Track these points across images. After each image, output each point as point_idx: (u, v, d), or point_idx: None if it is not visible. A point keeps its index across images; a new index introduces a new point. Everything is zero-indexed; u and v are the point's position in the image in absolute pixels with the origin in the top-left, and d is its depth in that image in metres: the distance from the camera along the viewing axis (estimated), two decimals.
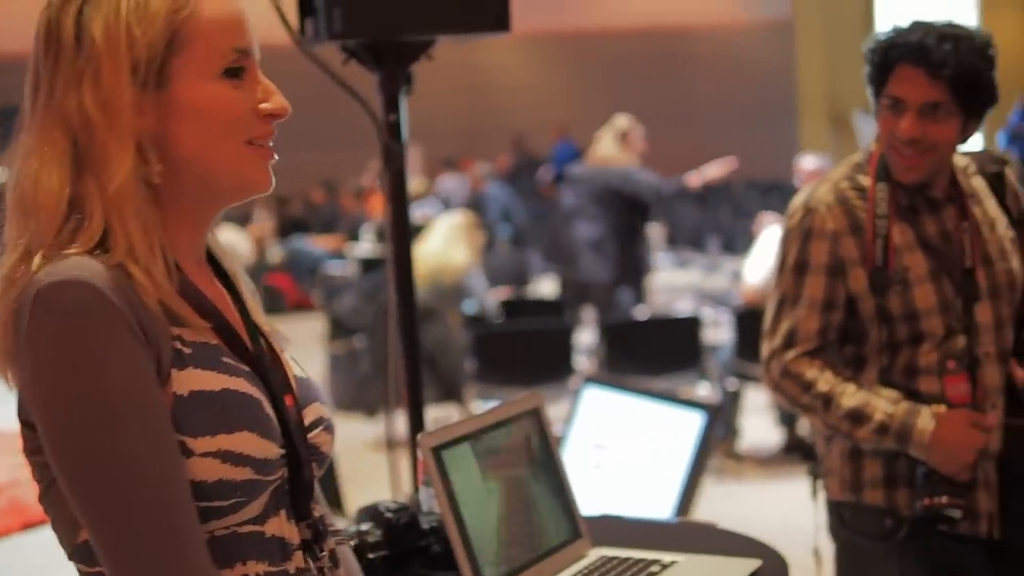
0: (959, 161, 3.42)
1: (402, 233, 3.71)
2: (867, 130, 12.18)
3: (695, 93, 26.78)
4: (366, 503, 2.72)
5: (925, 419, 3.21)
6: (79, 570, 1.82)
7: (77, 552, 1.80)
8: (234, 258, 2.06)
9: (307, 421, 1.96)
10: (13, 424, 1.79)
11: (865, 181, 3.36)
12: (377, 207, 16.39)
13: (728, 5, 28.03)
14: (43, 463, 1.75)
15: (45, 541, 1.98)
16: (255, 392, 1.83)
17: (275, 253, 17.74)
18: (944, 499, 3.20)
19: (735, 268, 13.01)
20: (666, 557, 2.64)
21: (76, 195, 1.77)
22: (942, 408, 3.23)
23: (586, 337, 10.66)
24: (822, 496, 3.52)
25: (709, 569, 2.62)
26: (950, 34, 3.19)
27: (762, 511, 7.41)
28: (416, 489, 2.87)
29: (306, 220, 21.05)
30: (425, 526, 2.64)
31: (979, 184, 3.43)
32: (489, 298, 10.72)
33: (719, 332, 10.45)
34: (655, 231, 15.21)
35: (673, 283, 15.48)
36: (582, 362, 9.84)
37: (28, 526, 4.45)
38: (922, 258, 3.30)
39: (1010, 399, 3.32)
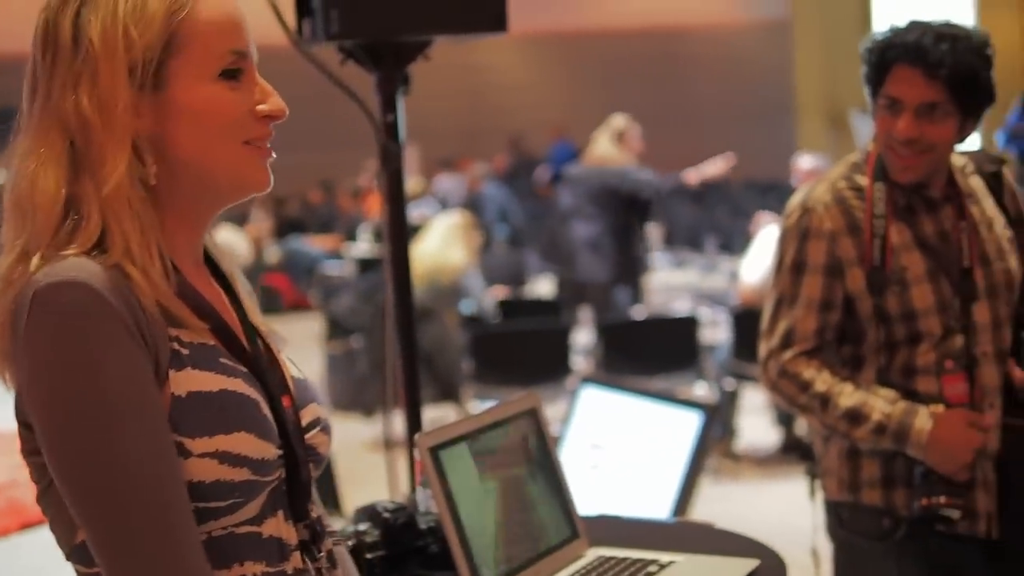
0: (957, 161, 3.42)
1: (399, 233, 3.71)
2: (865, 130, 12.18)
3: (693, 93, 26.78)
4: (364, 503, 2.73)
5: (923, 419, 3.21)
6: (77, 571, 1.82)
7: (75, 553, 1.80)
8: (231, 259, 2.06)
9: (304, 422, 1.96)
10: (11, 425, 1.79)
11: (863, 181, 3.36)
12: (374, 207, 16.38)
13: (726, 5, 28.04)
14: (41, 464, 1.76)
15: (43, 542, 1.98)
16: (253, 393, 1.83)
17: (272, 253, 17.73)
18: (942, 499, 3.20)
19: (733, 268, 13.01)
20: (664, 557, 2.64)
21: (73, 196, 1.77)
22: (940, 408, 3.23)
23: (583, 337, 10.66)
24: (820, 496, 3.53)
25: (707, 569, 2.62)
26: (947, 34, 3.19)
27: (760, 511, 7.42)
28: (413, 489, 2.87)
29: (303, 220, 21.03)
30: (423, 526, 2.64)
31: (977, 184, 3.43)
32: (486, 298, 10.72)
33: (716, 332, 10.46)
34: (653, 231, 15.20)
35: (670, 283, 15.49)
36: (579, 362, 9.85)
37: (26, 526, 4.45)
38: (920, 258, 3.30)
39: (1008, 399, 3.32)
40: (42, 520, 1.84)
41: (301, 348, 11.57)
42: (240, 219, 17.47)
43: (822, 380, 3.31)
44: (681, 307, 12.52)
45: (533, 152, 23.63)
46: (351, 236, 17.59)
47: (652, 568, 2.59)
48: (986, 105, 3.27)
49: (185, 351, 1.79)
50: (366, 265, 13.96)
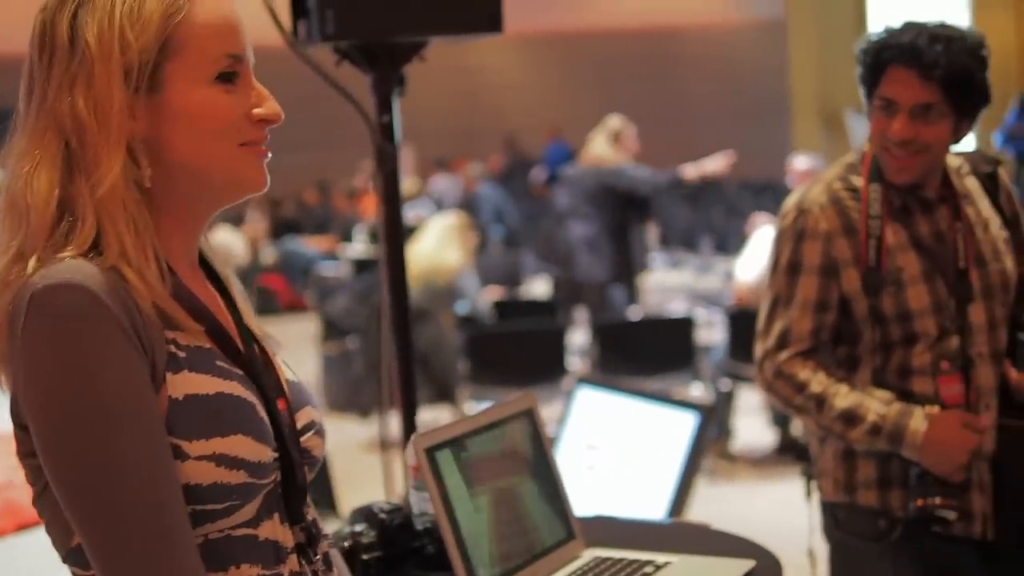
0: (952, 162, 3.42)
1: (395, 234, 3.71)
2: (860, 130, 12.19)
3: (688, 93, 26.79)
4: (360, 504, 2.73)
5: (918, 420, 3.22)
6: (74, 573, 1.82)
7: (72, 555, 1.80)
8: (225, 261, 2.06)
9: (299, 425, 1.96)
10: (7, 426, 1.79)
11: (858, 182, 3.36)
12: (370, 208, 16.39)
13: (720, 5, 28.05)
14: (37, 466, 1.75)
15: (40, 543, 1.97)
16: (249, 396, 1.83)
17: (268, 254, 17.73)
18: (937, 500, 3.20)
19: (728, 268, 13.02)
20: (660, 558, 2.64)
21: (67, 197, 1.77)
22: (935, 409, 3.24)
23: (579, 338, 10.67)
24: (816, 497, 3.53)
25: (703, 570, 2.62)
26: (942, 35, 3.19)
27: (756, 512, 7.42)
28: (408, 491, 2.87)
29: (299, 221, 21.03)
30: (419, 527, 2.64)
31: (972, 184, 3.43)
32: (481, 299, 10.72)
33: (712, 333, 10.46)
34: (651, 230, 15.20)
35: (666, 283, 15.48)
36: (575, 363, 9.85)
37: (22, 527, 4.45)
38: (915, 259, 3.30)
39: (1004, 400, 3.32)
40: (38, 522, 1.84)
41: (297, 349, 11.61)
42: (236, 220, 17.48)
43: (817, 381, 3.31)
44: (677, 308, 12.52)
45: (528, 152, 23.64)
46: (347, 237, 17.60)
47: (648, 569, 2.59)
48: (981, 106, 3.27)
49: (182, 354, 1.79)
50: (362, 266, 13.96)
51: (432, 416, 8.52)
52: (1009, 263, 3.38)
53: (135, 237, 1.77)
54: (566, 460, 4.13)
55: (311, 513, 1.98)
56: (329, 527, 2.33)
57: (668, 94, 26.21)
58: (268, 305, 15.65)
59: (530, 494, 2.66)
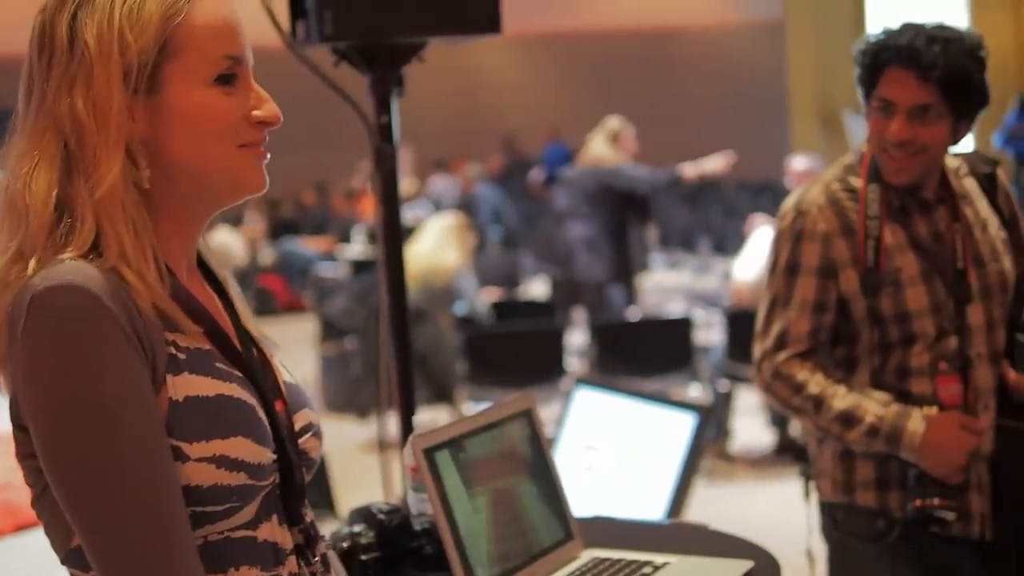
0: (950, 162, 3.42)
1: (393, 235, 3.71)
2: (858, 130, 12.20)
3: (686, 94, 26.79)
4: (358, 505, 2.73)
5: (915, 421, 3.22)
6: (72, 575, 1.82)
7: (71, 557, 1.80)
8: (224, 263, 2.06)
9: (297, 427, 1.96)
10: (5, 427, 1.79)
11: (856, 182, 3.36)
12: (368, 209, 16.39)
13: (718, 6, 28.04)
14: (36, 468, 1.75)
15: (38, 544, 1.97)
16: (248, 398, 1.83)
17: (266, 255, 17.73)
18: (936, 501, 3.21)
19: (726, 269, 13.02)
20: (658, 558, 2.64)
21: (66, 198, 1.77)
22: (934, 410, 3.24)
23: (577, 338, 10.67)
24: (814, 497, 3.53)
25: (701, 570, 2.62)
26: (940, 36, 3.19)
27: (754, 512, 7.42)
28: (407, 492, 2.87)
29: (297, 222, 21.03)
30: (417, 527, 2.64)
31: (971, 185, 3.44)
32: (479, 299, 10.72)
33: (710, 333, 10.46)
34: (651, 230, 15.21)
35: (664, 284, 15.48)
36: (573, 363, 9.85)
37: (20, 528, 4.44)
38: (914, 259, 3.30)
39: (1002, 400, 3.32)
40: (37, 523, 1.84)
41: (295, 350, 11.61)
42: (234, 221, 17.48)
43: (815, 382, 3.31)
44: (675, 308, 12.53)
45: (527, 153, 23.64)
46: (345, 238, 17.60)
47: (647, 569, 2.59)
48: (979, 107, 3.27)
49: (182, 356, 1.79)
50: (360, 267, 13.96)
51: (430, 417, 8.52)
52: (1007, 263, 3.38)
53: (134, 238, 1.77)
54: (564, 461, 4.12)
55: (309, 515, 1.98)
56: (327, 528, 2.33)
57: (666, 95, 26.21)
58: (266, 306, 15.65)
59: (528, 495, 2.66)
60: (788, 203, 3.42)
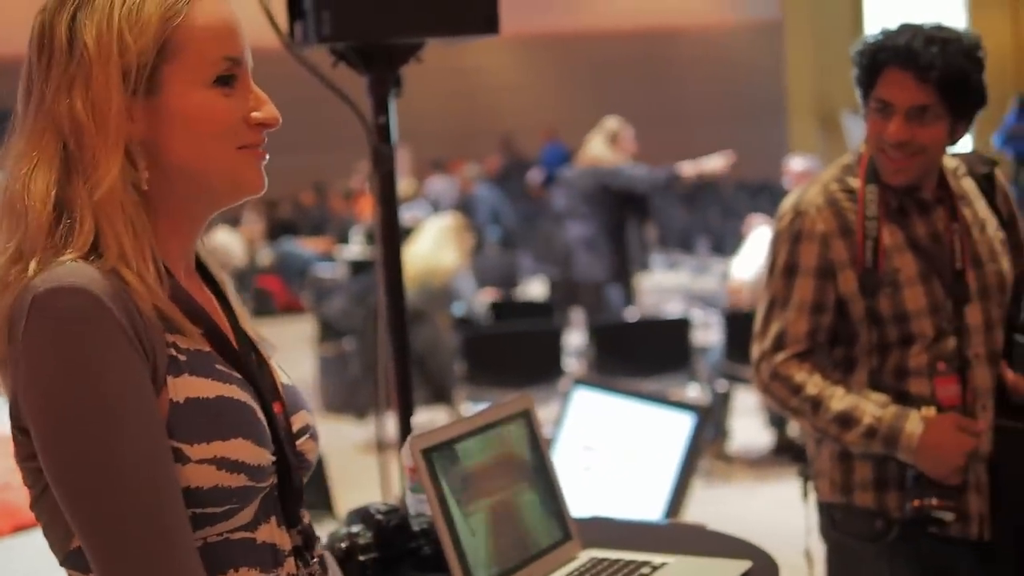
0: (949, 163, 3.42)
1: (391, 235, 3.71)
2: (856, 131, 12.20)
3: (684, 94, 26.79)
4: (356, 505, 2.73)
5: (913, 423, 3.21)
6: None
7: (70, 558, 1.80)
8: (223, 264, 2.06)
9: (294, 428, 1.97)
10: (4, 428, 1.79)
11: (855, 183, 3.36)
12: (366, 209, 16.39)
13: (716, 6, 28.04)
14: (35, 469, 1.76)
15: (36, 545, 1.98)
16: (248, 399, 1.83)
17: (264, 255, 17.72)
18: (934, 501, 3.21)
19: (724, 269, 13.02)
20: (656, 558, 2.64)
21: (65, 199, 1.77)
22: (932, 411, 3.23)
23: (576, 339, 10.67)
24: (813, 497, 3.53)
25: (699, 570, 2.62)
26: (938, 37, 3.19)
27: (752, 512, 7.42)
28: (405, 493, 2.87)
29: (295, 222, 21.03)
30: (416, 528, 2.64)
31: (969, 185, 3.44)
32: (477, 300, 10.72)
33: (709, 334, 10.46)
34: (650, 230, 15.22)
35: (662, 284, 15.49)
36: (572, 364, 9.85)
37: (19, 529, 4.44)
38: (912, 260, 3.30)
39: (1000, 401, 3.32)
40: (35, 524, 1.84)
41: (293, 350, 11.61)
42: (232, 222, 17.47)
43: (813, 383, 3.31)
44: (673, 309, 12.53)
45: (525, 153, 23.64)
46: (343, 238, 17.59)
47: (645, 570, 2.59)
48: (977, 107, 3.27)
49: (182, 357, 1.79)
50: (358, 267, 13.96)
51: (429, 417, 8.52)
52: (1005, 264, 3.38)
53: (133, 239, 1.77)
54: (563, 461, 4.12)
55: (306, 516, 1.98)
56: (326, 528, 2.33)
57: (664, 95, 26.21)
58: (264, 306, 15.65)
59: (527, 496, 2.66)
60: (786, 204, 3.42)
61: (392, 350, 3.69)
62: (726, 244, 15.85)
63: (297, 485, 1.93)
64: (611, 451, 4.22)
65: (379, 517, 2.63)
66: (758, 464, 8.80)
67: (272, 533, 1.88)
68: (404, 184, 16.01)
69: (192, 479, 1.74)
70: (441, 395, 9.33)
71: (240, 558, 1.83)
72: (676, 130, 24.18)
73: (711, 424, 8.30)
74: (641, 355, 8.88)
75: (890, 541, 3.33)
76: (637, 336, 9.21)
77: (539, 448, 2.74)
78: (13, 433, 1.77)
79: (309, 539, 1.97)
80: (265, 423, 1.85)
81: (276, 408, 1.92)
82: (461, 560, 2.44)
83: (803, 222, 3.34)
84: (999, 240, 3.39)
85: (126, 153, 1.78)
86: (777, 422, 8.69)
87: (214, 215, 1.94)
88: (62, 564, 1.82)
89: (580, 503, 3.07)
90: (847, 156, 3.46)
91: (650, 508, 3.98)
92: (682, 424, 4.08)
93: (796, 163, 10.60)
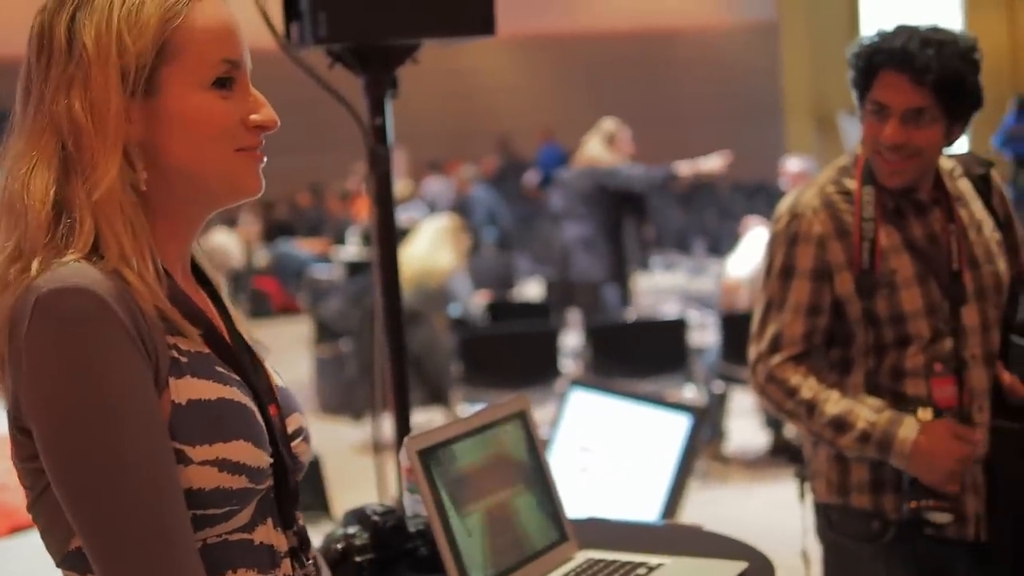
0: (945, 164, 3.42)
1: (388, 236, 3.71)
2: (853, 132, 12.20)
3: (680, 95, 26.78)
4: (353, 506, 2.73)
5: (907, 428, 3.21)
6: None
7: (67, 560, 1.80)
8: (219, 265, 2.06)
9: (289, 430, 1.97)
10: (1, 429, 1.79)
11: (851, 184, 3.36)
12: (363, 210, 16.39)
13: (712, 7, 28.04)
14: (35, 470, 1.76)
15: (32, 546, 1.98)
16: (248, 401, 1.84)
17: (261, 256, 17.72)
18: (931, 503, 3.20)
19: (721, 271, 13.04)
20: (653, 559, 2.64)
21: (64, 199, 1.78)
22: (929, 412, 3.23)
23: (572, 340, 10.67)
24: (809, 498, 3.53)
25: (696, 571, 2.62)
26: (933, 39, 3.19)
27: (749, 513, 7.42)
28: (402, 493, 2.88)
29: (292, 223, 21.02)
30: (412, 529, 2.64)
31: (965, 186, 3.44)
32: (473, 301, 10.72)
33: (705, 335, 10.47)
34: (649, 231, 15.22)
35: (659, 285, 15.49)
36: (568, 365, 9.85)
37: (16, 530, 4.44)
38: (909, 261, 3.31)
39: (996, 402, 3.32)
40: (31, 525, 1.84)
41: (290, 352, 11.62)
42: (229, 222, 17.47)
43: (808, 387, 3.31)
44: (670, 310, 12.54)
45: (521, 154, 23.64)
46: (340, 239, 17.58)
47: (641, 570, 2.59)
48: (973, 109, 3.27)
49: (184, 359, 1.79)
50: (355, 268, 13.96)
51: (425, 418, 8.52)
52: (1002, 265, 3.38)
53: (133, 240, 1.77)
54: (559, 462, 4.12)
55: (300, 518, 1.99)
56: (322, 529, 2.33)
57: (661, 96, 26.21)
58: (261, 307, 15.66)
59: (523, 496, 2.66)
60: (783, 206, 3.42)
61: (389, 351, 3.69)
62: (722, 245, 15.85)
63: (293, 487, 1.93)
64: (607, 452, 4.23)
65: (375, 518, 2.63)
66: (754, 465, 8.80)
67: (269, 534, 1.88)
68: (400, 185, 16.01)
69: (194, 480, 1.75)
70: (437, 396, 9.33)
71: (238, 559, 1.83)
72: (672, 131, 24.17)
73: (707, 425, 8.29)
74: (638, 356, 8.88)
75: (887, 542, 3.33)
76: (633, 337, 9.22)
77: (535, 449, 2.74)
78: (12, 433, 1.77)
79: (304, 540, 1.98)
80: (263, 425, 1.85)
81: (272, 410, 1.92)
82: (457, 561, 2.44)
83: (799, 224, 3.34)
84: (995, 241, 3.40)
85: (124, 154, 1.78)
86: (773, 423, 8.70)
87: (211, 216, 1.94)
88: (59, 566, 1.82)
89: (576, 504, 3.07)
90: (843, 158, 3.46)
91: (646, 509, 3.99)
92: (678, 425, 4.08)
93: (792, 164, 10.61)
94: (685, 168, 10.38)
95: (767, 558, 2.69)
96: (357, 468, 7.83)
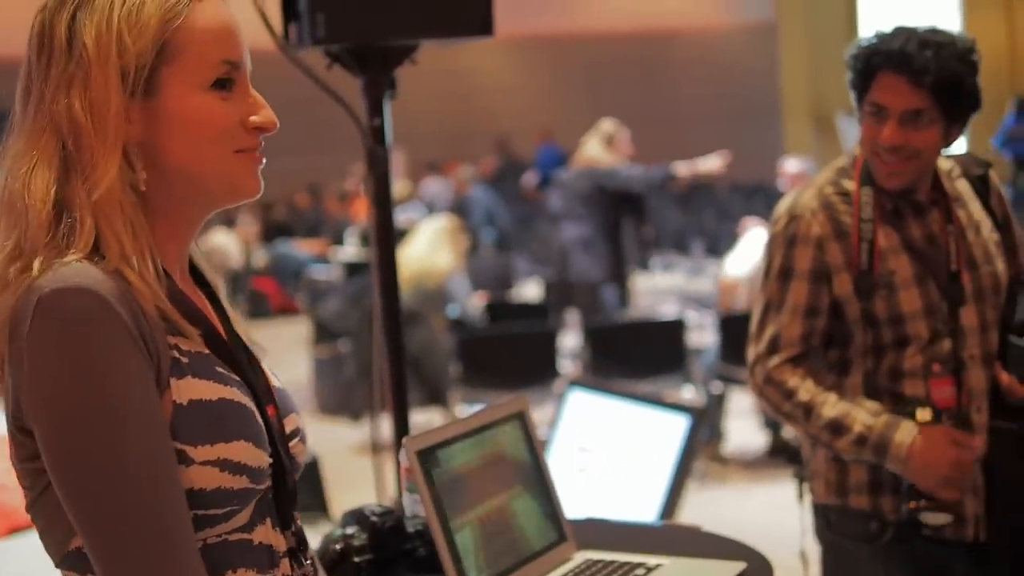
0: (943, 165, 3.42)
1: (386, 237, 3.71)
2: (851, 132, 12.20)
3: (679, 96, 26.78)
4: (351, 507, 2.73)
5: (903, 433, 3.21)
6: None
7: (66, 560, 1.80)
8: (218, 266, 2.06)
9: (287, 431, 1.97)
10: (0, 429, 1.79)
11: (850, 185, 3.36)
12: (361, 211, 16.37)
13: (711, 8, 28.04)
14: (34, 470, 1.76)
15: (31, 546, 1.98)
16: (247, 402, 1.84)
17: (260, 257, 17.72)
18: (929, 504, 3.20)
19: (719, 271, 13.04)
20: (651, 560, 2.64)
21: (64, 198, 1.78)
22: (928, 413, 3.23)
23: (571, 340, 10.67)
24: (808, 499, 3.53)
25: (694, 572, 2.62)
26: (932, 40, 3.19)
27: (747, 514, 7.42)
28: (401, 493, 2.88)
29: (290, 224, 21.02)
30: (410, 529, 2.64)
31: (964, 187, 3.44)
32: (472, 302, 10.72)
33: (703, 335, 10.47)
34: (647, 232, 15.22)
35: (657, 286, 15.49)
36: (567, 365, 9.85)
37: (14, 530, 4.44)
38: (907, 262, 3.31)
39: (995, 402, 3.32)
40: (30, 525, 1.84)
41: (288, 352, 11.61)
42: (228, 223, 17.46)
43: (806, 389, 3.31)
44: (668, 310, 12.53)
45: (520, 155, 23.63)
46: (338, 240, 17.59)
47: (639, 571, 2.60)
48: (971, 111, 3.27)
49: (185, 359, 1.80)
50: (353, 269, 13.96)
51: (424, 419, 8.52)
52: (1000, 265, 3.38)
53: (133, 240, 1.77)
54: (557, 463, 4.12)
55: (297, 518, 1.99)
56: (321, 530, 2.33)
57: (659, 97, 26.20)
58: (259, 308, 15.66)
59: (522, 497, 2.66)
60: (781, 207, 3.42)
61: (387, 352, 3.69)
62: (721, 246, 15.84)
63: (291, 487, 1.94)
64: (606, 453, 4.23)
65: (374, 519, 2.63)
66: (753, 466, 8.80)
67: (268, 534, 1.88)
68: (399, 186, 16.01)
69: (196, 481, 1.75)
70: (436, 397, 9.33)
71: (238, 559, 1.83)
72: (671, 132, 24.17)
73: (706, 426, 8.29)
74: (636, 357, 8.88)
75: (885, 543, 3.33)
76: (632, 337, 9.21)
77: (534, 450, 2.74)
78: (12, 433, 1.77)
79: (302, 540, 1.98)
80: (263, 425, 1.86)
81: (270, 411, 1.92)
82: (456, 562, 2.44)
83: (798, 226, 3.34)
84: (994, 242, 3.40)
85: (124, 154, 1.78)
86: (772, 424, 8.69)
87: (209, 217, 1.95)
88: (58, 566, 1.82)
89: (575, 505, 3.07)
90: (842, 159, 3.47)
91: (645, 509, 3.99)
92: (677, 425, 4.08)
93: (791, 165, 10.61)
94: (683, 169, 10.38)
95: (766, 558, 2.69)
96: (355, 469, 7.84)
